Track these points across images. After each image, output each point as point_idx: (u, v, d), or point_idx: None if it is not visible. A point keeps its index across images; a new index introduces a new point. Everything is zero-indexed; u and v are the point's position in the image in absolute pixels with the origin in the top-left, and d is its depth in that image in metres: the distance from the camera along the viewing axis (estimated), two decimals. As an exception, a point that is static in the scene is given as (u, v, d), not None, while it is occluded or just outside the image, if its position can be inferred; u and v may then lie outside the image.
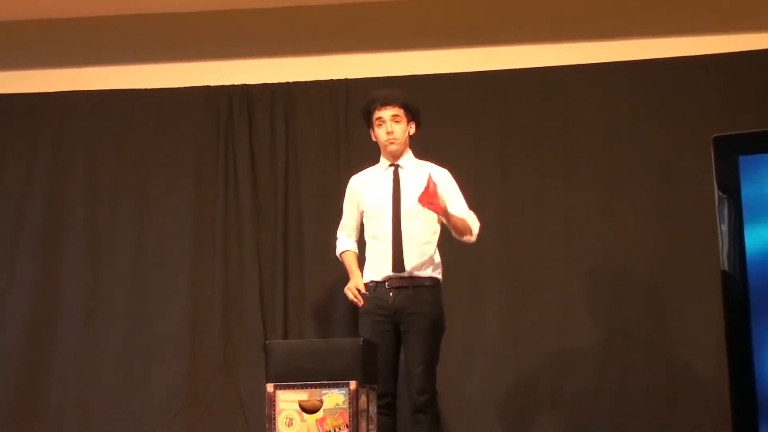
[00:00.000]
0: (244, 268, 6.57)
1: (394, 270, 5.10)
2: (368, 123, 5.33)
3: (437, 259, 5.19)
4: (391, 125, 5.20)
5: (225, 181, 6.68)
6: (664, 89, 6.49)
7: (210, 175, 6.71)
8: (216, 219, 6.64)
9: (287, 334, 6.45)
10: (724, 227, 3.90)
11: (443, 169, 5.30)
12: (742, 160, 3.85)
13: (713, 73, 6.43)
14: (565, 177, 6.49)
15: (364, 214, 5.30)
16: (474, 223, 5.23)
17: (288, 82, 6.75)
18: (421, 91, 6.54)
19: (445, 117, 6.59)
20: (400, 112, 5.22)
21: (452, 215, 5.06)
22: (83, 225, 6.72)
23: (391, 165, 5.27)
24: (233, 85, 6.77)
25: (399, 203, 5.16)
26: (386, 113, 5.21)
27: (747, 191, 3.83)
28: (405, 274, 5.08)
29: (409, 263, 5.09)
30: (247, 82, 6.77)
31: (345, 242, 5.41)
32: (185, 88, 6.79)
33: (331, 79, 6.71)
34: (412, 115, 5.27)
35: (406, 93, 5.35)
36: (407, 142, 5.29)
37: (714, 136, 3.91)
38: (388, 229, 5.13)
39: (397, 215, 5.14)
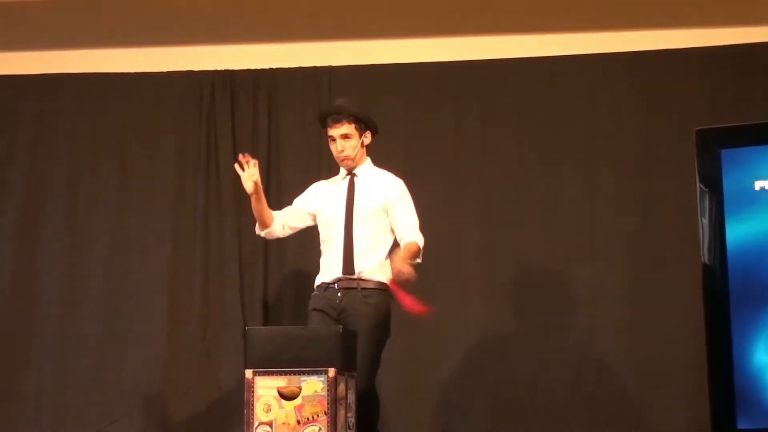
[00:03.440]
0: (225, 254, 6.57)
1: (344, 272, 5.12)
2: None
3: (388, 266, 5.19)
4: (341, 144, 5.23)
5: (206, 167, 6.66)
6: (646, 82, 6.50)
7: (191, 161, 6.69)
8: (197, 204, 6.63)
9: (267, 320, 6.45)
10: (705, 220, 3.92)
11: (398, 179, 5.29)
12: (725, 153, 3.87)
13: (695, 66, 6.44)
14: (546, 168, 6.49)
15: (318, 221, 5.35)
16: (421, 243, 5.15)
17: (271, 69, 6.74)
18: (403, 80, 6.58)
19: (427, 106, 6.59)
20: (351, 128, 5.23)
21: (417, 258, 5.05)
22: (62, 209, 6.69)
23: (348, 174, 5.31)
24: (216, 71, 6.75)
25: (352, 208, 5.20)
26: (336, 132, 5.24)
27: (729, 184, 3.85)
28: (354, 276, 5.11)
29: (359, 266, 5.12)
30: (230, 68, 6.75)
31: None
32: (168, 72, 6.76)
33: (315, 66, 6.70)
34: (364, 125, 5.27)
35: (355, 106, 5.29)
36: (363, 152, 5.30)
37: (697, 129, 3.93)
38: (340, 233, 5.18)
39: (349, 220, 5.18)
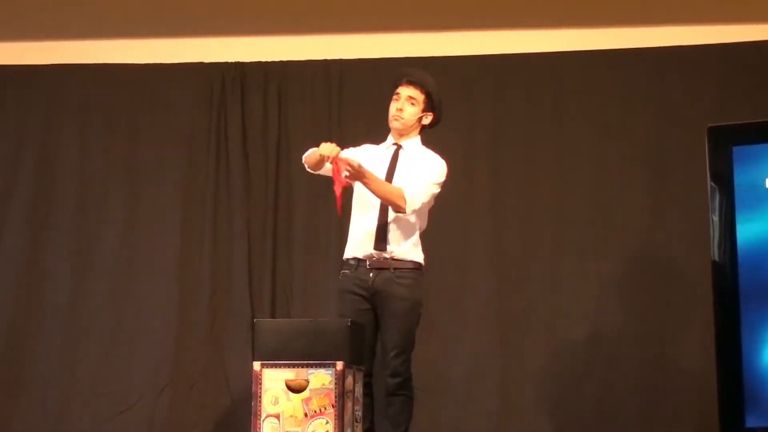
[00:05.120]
0: (233, 246, 6.56)
1: (376, 248, 5.04)
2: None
3: (419, 245, 5.16)
4: (403, 103, 5.17)
5: (216, 158, 6.66)
6: (657, 78, 6.48)
7: (201, 152, 6.69)
8: (206, 196, 6.63)
9: (275, 313, 6.45)
10: (716, 218, 3.92)
11: (441, 160, 5.17)
12: (736, 150, 3.86)
13: (706, 63, 6.42)
14: (557, 165, 6.48)
15: (354, 187, 5.22)
16: (398, 198, 4.98)
17: (282, 61, 6.73)
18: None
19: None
20: (420, 97, 5.16)
21: (371, 182, 4.95)
22: (73, 199, 6.70)
23: (394, 144, 5.24)
24: (227, 63, 6.74)
25: (391, 180, 5.08)
26: (404, 91, 5.17)
27: (740, 182, 3.85)
28: (386, 255, 5.03)
29: (392, 245, 5.05)
30: (240, 60, 6.75)
31: None
32: (178, 64, 6.76)
33: (326, 59, 6.69)
34: (432, 105, 5.20)
35: (436, 87, 5.22)
36: (417, 128, 5.21)
37: (709, 126, 3.92)
38: (375, 205, 5.08)
39: None
